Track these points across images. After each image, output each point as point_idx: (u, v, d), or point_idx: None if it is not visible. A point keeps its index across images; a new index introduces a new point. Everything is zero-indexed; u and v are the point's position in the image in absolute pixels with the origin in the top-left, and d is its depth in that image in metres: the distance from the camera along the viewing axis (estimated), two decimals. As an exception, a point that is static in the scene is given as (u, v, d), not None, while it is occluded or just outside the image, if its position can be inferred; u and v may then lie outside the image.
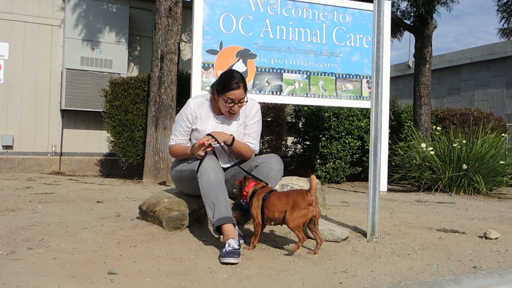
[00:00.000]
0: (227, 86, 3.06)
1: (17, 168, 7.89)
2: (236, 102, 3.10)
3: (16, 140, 8.06)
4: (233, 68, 5.83)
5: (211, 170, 2.90)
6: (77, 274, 2.33)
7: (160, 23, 6.68)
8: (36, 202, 4.29)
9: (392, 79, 10.48)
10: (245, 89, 3.14)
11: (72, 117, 8.42)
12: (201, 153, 2.96)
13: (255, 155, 3.36)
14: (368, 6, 6.46)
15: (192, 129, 3.22)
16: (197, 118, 3.20)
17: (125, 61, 8.48)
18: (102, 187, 5.85)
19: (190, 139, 3.27)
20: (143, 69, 8.89)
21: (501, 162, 6.33)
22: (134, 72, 8.85)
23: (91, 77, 8.19)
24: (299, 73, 6.15)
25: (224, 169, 3.21)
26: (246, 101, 3.19)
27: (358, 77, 6.42)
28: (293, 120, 8.74)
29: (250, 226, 3.30)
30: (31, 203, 4.22)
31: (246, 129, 3.28)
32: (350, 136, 8.02)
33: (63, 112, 8.31)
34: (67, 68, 8.05)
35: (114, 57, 8.36)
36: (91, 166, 8.41)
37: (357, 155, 8.21)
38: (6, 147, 7.98)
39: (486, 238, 3.35)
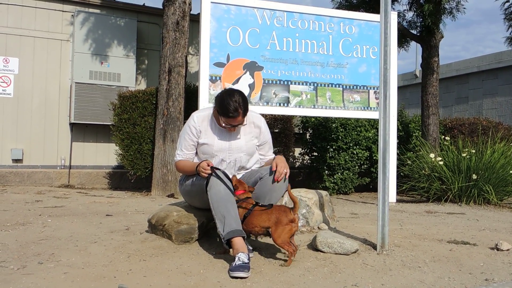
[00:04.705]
0: (226, 112, 3.02)
1: (27, 181, 7.95)
2: (234, 125, 3.10)
3: (26, 153, 8.13)
4: (241, 80, 5.86)
5: (221, 183, 2.91)
6: (87, 289, 2.34)
7: (167, 37, 6.75)
8: (46, 216, 4.31)
9: (399, 88, 10.47)
10: (245, 113, 3.09)
11: (81, 131, 8.48)
12: (208, 172, 2.97)
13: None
14: (375, 17, 6.48)
15: (198, 143, 3.22)
16: (201, 132, 3.19)
17: (133, 75, 8.55)
18: (111, 200, 5.88)
19: (196, 153, 3.27)
20: (151, 82, 8.96)
21: (511, 171, 6.27)
22: (142, 86, 8.92)
23: (100, 91, 8.27)
24: (306, 84, 6.17)
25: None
26: (245, 124, 3.17)
27: (365, 88, 6.42)
28: (301, 131, 8.73)
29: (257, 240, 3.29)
30: (41, 217, 4.24)
31: (265, 145, 3.32)
32: (358, 146, 8.00)
33: (72, 125, 8.38)
34: (76, 82, 8.14)
35: (123, 70, 8.44)
36: (99, 179, 8.45)
37: (365, 166, 8.18)
38: (16, 160, 8.05)
39: (498, 249, 3.31)
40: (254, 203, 2.98)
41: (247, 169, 3.30)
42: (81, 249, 3.04)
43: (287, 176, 3.09)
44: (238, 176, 3.25)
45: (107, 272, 2.60)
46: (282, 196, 3.51)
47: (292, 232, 2.86)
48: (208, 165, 2.98)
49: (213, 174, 2.94)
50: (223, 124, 3.10)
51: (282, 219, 2.83)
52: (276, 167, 3.07)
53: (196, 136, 3.19)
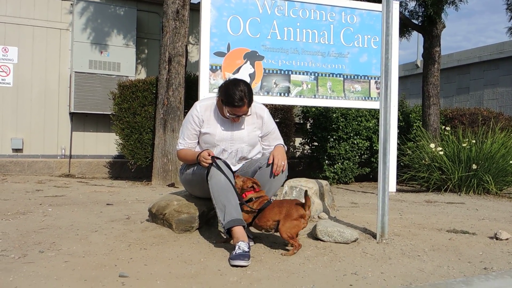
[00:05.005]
0: (231, 102, 3.01)
1: (27, 171, 7.96)
2: (239, 115, 3.10)
3: (26, 143, 8.13)
4: (241, 69, 5.84)
5: (221, 172, 2.91)
6: (88, 277, 2.35)
7: (167, 26, 6.71)
8: (46, 205, 4.32)
9: (400, 78, 10.43)
10: (250, 103, 3.08)
11: (81, 120, 8.48)
12: (209, 161, 2.97)
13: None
14: (376, 6, 6.44)
15: (200, 132, 3.22)
16: (204, 122, 3.18)
17: (133, 64, 8.52)
18: (112, 189, 5.89)
19: (198, 142, 3.27)
20: (151, 71, 8.94)
21: (511, 162, 6.27)
22: (142, 75, 8.90)
23: (100, 80, 8.24)
24: (307, 74, 6.15)
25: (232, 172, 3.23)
26: (250, 114, 3.16)
27: (366, 77, 6.40)
28: (301, 121, 8.73)
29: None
30: (41, 206, 4.25)
31: (268, 135, 3.29)
32: (358, 136, 8.00)
33: (72, 115, 8.37)
34: (75, 72, 8.11)
35: (122, 60, 8.41)
36: (100, 168, 8.46)
37: (365, 156, 8.18)
38: (16, 150, 8.06)
39: (497, 239, 3.33)
40: (269, 199, 2.99)
41: (248, 159, 3.30)
42: (81, 238, 3.05)
43: (284, 168, 3.09)
44: (238, 166, 3.26)
45: (108, 261, 2.61)
46: (282, 186, 3.53)
47: (300, 228, 2.85)
48: (209, 155, 2.99)
49: (214, 163, 2.94)
50: (227, 114, 3.09)
51: (292, 213, 2.82)
52: (273, 160, 3.06)
53: (199, 126, 3.19)
